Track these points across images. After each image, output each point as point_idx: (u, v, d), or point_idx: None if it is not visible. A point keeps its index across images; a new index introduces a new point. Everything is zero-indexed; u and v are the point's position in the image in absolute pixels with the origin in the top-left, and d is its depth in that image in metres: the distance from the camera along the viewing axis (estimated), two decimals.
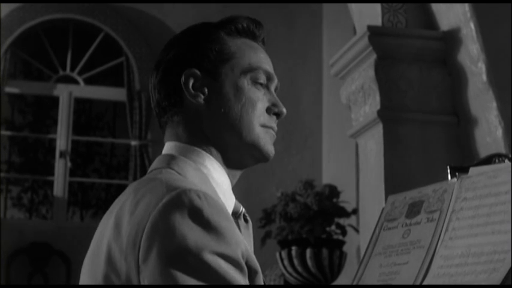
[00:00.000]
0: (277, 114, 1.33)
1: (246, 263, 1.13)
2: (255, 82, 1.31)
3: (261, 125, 1.30)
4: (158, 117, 1.34)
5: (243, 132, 1.28)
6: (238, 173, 1.34)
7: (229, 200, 1.29)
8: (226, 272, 1.08)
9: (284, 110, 1.33)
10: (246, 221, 1.32)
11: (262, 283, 1.16)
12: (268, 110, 1.32)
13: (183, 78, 1.29)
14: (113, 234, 1.15)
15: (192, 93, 1.29)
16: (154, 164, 1.30)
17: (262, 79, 1.32)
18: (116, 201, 1.24)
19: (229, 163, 1.31)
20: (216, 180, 1.27)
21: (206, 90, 1.29)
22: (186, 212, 1.09)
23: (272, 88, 1.35)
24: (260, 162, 1.33)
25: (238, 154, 1.30)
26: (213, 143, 1.29)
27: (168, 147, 1.31)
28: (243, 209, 1.32)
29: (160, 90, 1.31)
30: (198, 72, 1.29)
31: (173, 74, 1.30)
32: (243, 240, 1.15)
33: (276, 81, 1.35)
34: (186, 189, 1.12)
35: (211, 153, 1.29)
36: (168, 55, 1.32)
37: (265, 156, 1.31)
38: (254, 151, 1.30)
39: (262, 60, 1.33)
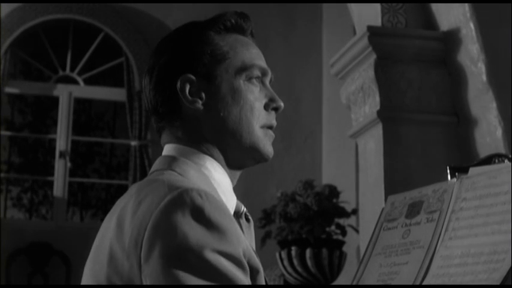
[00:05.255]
0: (275, 109, 1.34)
1: (248, 262, 1.13)
2: (250, 79, 1.31)
3: (261, 126, 1.31)
4: (155, 122, 1.34)
5: (243, 134, 1.29)
6: (238, 173, 1.35)
7: (230, 200, 1.29)
8: (227, 270, 1.08)
9: (281, 104, 1.34)
10: (247, 220, 1.33)
11: (263, 282, 1.17)
12: (266, 106, 1.32)
13: (178, 85, 1.28)
14: (115, 235, 1.15)
15: (189, 99, 1.28)
16: (155, 165, 1.31)
17: (257, 75, 1.32)
18: (117, 203, 1.24)
19: (229, 164, 1.31)
20: (217, 181, 1.28)
21: (203, 94, 1.29)
22: (188, 210, 1.10)
23: (267, 82, 1.35)
24: (260, 163, 1.34)
25: (238, 155, 1.31)
26: (213, 145, 1.29)
27: (169, 148, 1.31)
28: (245, 209, 1.33)
29: (156, 96, 1.31)
30: (193, 77, 1.29)
31: (168, 80, 1.30)
32: (244, 239, 1.15)
33: (269, 74, 1.35)
34: (187, 188, 1.13)
35: (212, 155, 1.29)
36: (160, 60, 1.31)
37: (265, 158, 1.32)
38: (254, 153, 1.31)
39: (255, 56, 1.33)
